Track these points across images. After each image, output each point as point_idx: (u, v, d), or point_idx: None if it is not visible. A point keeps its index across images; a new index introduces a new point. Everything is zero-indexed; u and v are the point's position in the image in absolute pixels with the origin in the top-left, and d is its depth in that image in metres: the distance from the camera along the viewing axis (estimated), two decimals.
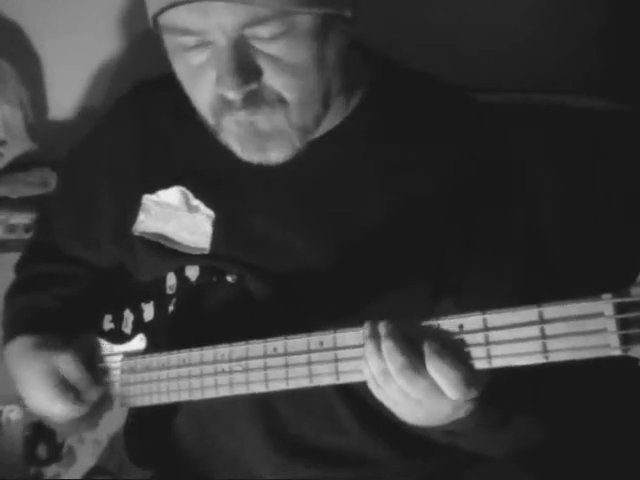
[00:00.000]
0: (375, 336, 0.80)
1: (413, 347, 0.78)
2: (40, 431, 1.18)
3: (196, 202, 1.04)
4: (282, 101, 0.89)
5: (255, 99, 0.88)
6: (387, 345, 0.79)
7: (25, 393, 1.11)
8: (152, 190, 1.06)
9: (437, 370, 0.77)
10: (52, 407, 1.08)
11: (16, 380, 1.12)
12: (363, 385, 0.84)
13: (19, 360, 1.10)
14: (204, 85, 0.90)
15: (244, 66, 0.86)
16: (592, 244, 1.30)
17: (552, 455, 1.04)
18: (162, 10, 0.86)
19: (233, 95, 0.87)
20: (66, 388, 1.07)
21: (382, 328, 0.80)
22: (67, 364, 1.07)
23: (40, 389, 1.08)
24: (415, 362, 0.78)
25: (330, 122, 0.98)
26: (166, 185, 1.05)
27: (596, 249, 1.29)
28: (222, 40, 0.85)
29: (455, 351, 0.77)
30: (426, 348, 0.77)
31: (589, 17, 1.51)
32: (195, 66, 0.89)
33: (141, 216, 1.07)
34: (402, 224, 0.97)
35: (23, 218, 1.44)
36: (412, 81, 1.03)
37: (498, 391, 0.83)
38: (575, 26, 1.51)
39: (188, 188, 1.04)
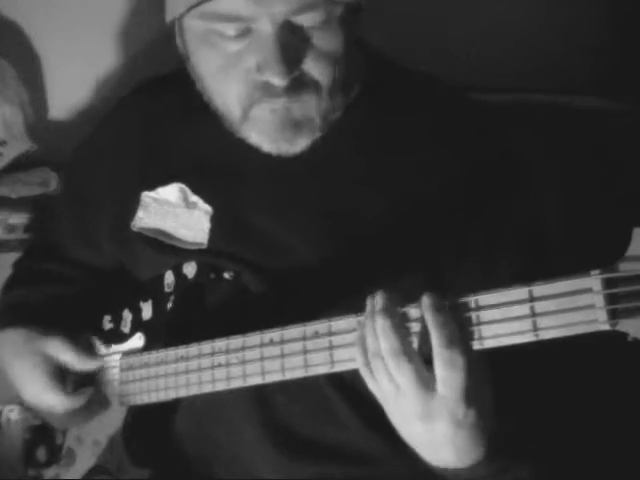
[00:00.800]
0: (373, 313, 0.79)
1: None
2: (40, 434, 1.18)
3: (194, 198, 1.04)
4: (317, 88, 0.92)
5: (297, 86, 0.90)
6: (381, 324, 0.78)
7: (19, 387, 1.11)
8: (151, 187, 1.07)
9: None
10: (46, 398, 1.08)
11: (8, 374, 1.12)
12: (359, 378, 0.83)
13: (9, 353, 1.11)
14: (239, 73, 0.91)
15: (290, 53, 0.88)
16: (593, 244, 1.29)
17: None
18: None
19: (279, 81, 0.89)
20: (59, 377, 1.07)
21: (378, 302, 0.79)
22: (53, 346, 1.07)
23: (33, 381, 1.08)
24: (406, 345, 0.77)
25: None
26: (165, 182, 1.06)
27: (596, 249, 1.28)
28: (268, 27, 0.87)
29: None
30: (423, 301, 0.77)
31: (589, 17, 1.51)
32: (230, 54, 0.91)
33: (140, 213, 1.07)
34: (398, 221, 0.97)
35: (23, 218, 1.44)
36: (408, 79, 1.04)
37: (503, 441, 0.83)
38: (575, 26, 1.51)
39: (187, 184, 1.05)
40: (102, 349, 1.12)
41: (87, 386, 1.10)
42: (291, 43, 0.88)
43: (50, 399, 1.07)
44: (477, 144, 1.00)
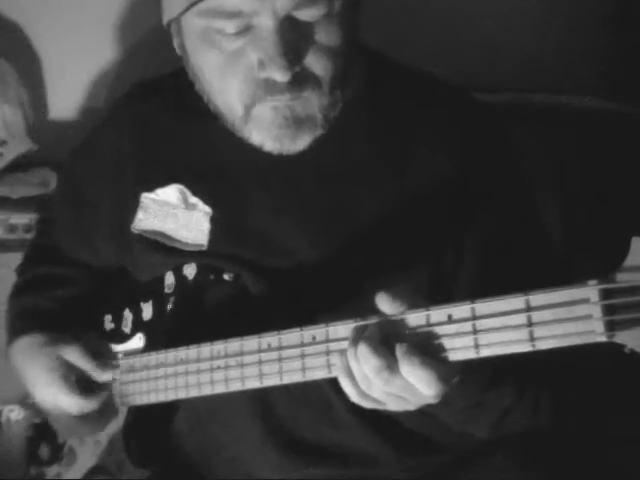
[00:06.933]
0: (356, 342, 0.79)
1: (391, 347, 0.77)
2: (42, 432, 1.19)
3: (194, 199, 1.04)
4: (318, 83, 0.91)
5: (299, 81, 0.89)
6: (361, 349, 0.77)
7: (33, 390, 1.11)
8: (150, 188, 1.06)
9: (408, 372, 0.76)
10: (60, 401, 1.08)
11: (23, 378, 1.12)
12: None
13: (25, 358, 1.11)
14: (240, 70, 0.90)
15: (292, 48, 0.87)
16: (592, 242, 1.30)
17: (548, 453, 1.04)
18: None
19: (281, 77, 0.88)
20: (72, 380, 1.07)
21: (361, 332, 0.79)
22: (73, 354, 1.07)
23: (47, 384, 1.08)
24: (391, 364, 0.76)
25: None
26: (164, 183, 1.06)
27: (595, 246, 1.29)
28: (269, 22, 0.86)
29: (442, 341, 0.76)
30: (397, 351, 0.76)
31: (590, 18, 1.51)
32: (231, 52, 0.90)
33: (139, 214, 1.07)
34: (399, 220, 0.97)
35: (23, 218, 1.44)
36: (409, 77, 1.04)
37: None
38: (576, 26, 1.51)
39: (186, 186, 1.04)
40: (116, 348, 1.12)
41: (100, 390, 1.10)
42: (292, 38, 0.87)
43: (65, 401, 1.07)
44: (476, 141, 1.00)
